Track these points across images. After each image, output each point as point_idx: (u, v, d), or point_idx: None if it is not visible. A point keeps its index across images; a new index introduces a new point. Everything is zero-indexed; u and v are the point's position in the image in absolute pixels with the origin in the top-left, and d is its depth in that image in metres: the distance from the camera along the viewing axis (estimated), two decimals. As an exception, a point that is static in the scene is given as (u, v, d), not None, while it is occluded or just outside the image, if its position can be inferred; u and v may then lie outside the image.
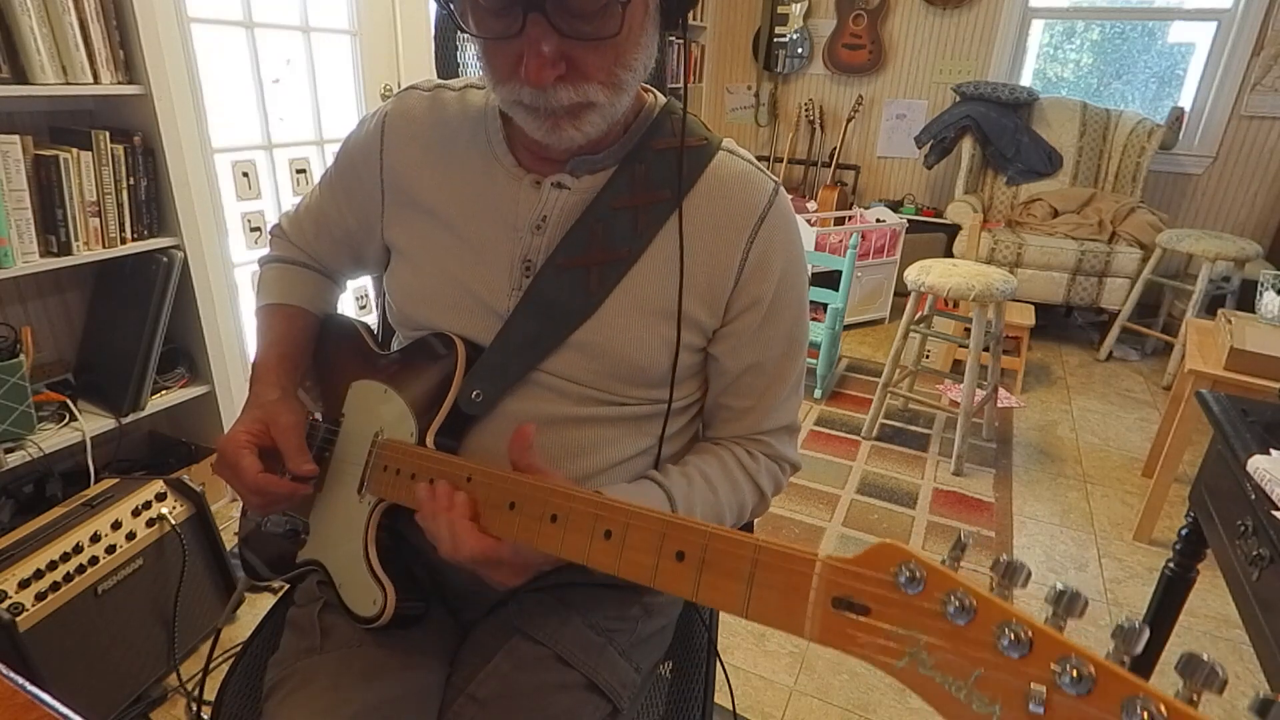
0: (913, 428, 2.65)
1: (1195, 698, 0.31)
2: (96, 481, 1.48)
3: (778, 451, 0.76)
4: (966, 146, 3.61)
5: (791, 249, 0.71)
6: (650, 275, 0.67)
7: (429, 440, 0.68)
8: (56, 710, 0.47)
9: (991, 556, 2.08)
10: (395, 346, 0.81)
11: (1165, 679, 1.46)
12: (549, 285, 0.67)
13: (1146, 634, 0.33)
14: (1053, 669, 0.33)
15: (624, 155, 0.69)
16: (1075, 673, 0.32)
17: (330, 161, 0.82)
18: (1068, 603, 0.35)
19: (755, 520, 0.82)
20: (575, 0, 0.55)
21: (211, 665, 1.41)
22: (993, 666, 0.35)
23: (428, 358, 0.71)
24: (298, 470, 0.69)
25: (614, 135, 0.68)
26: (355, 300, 2.46)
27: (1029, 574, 0.37)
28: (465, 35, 0.62)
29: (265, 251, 0.88)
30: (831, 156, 4.22)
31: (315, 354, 0.83)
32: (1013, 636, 0.34)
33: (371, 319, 0.95)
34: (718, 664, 0.85)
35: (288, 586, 0.84)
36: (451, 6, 0.61)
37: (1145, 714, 0.31)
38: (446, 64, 0.96)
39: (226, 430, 0.71)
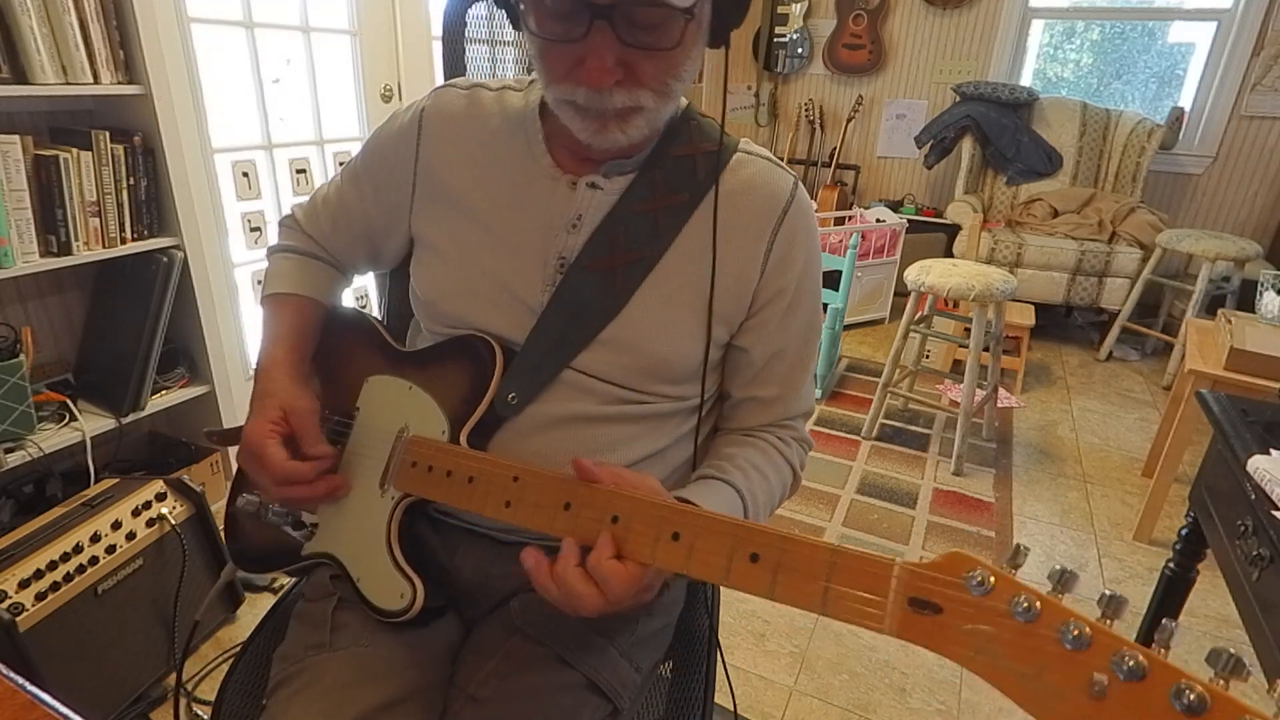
0: (913, 428, 2.65)
1: (1223, 684, 0.37)
2: (96, 481, 1.48)
3: (801, 434, 0.80)
4: (966, 146, 3.61)
5: (811, 240, 0.74)
6: (674, 273, 0.69)
7: (463, 439, 0.68)
8: (56, 710, 0.47)
9: (992, 556, 2.08)
10: (415, 342, 0.80)
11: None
12: (575, 285, 0.69)
13: (1177, 629, 0.40)
14: (1111, 660, 0.39)
15: (644, 162, 0.71)
16: (1132, 663, 0.38)
17: (331, 161, 0.82)
18: (1110, 605, 0.41)
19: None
20: (642, 13, 0.56)
21: (192, 665, 1.40)
22: (1057, 658, 0.41)
23: (460, 357, 0.72)
24: (311, 451, 0.69)
25: (650, 140, 0.70)
26: (355, 299, 2.46)
27: (1077, 580, 0.43)
28: (524, 34, 0.63)
29: (267, 250, 0.87)
30: (831, 156, 4.22)
31: (322, 346, 0.83)
32: (1075, 633, 0.40)
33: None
34: (718, 664, 0.85)
35: (289, 585, 0.84)
36: (522, 6, 0.61)
37: (1191, 696, 0.36)
38: (453, 65, 0.96)
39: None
